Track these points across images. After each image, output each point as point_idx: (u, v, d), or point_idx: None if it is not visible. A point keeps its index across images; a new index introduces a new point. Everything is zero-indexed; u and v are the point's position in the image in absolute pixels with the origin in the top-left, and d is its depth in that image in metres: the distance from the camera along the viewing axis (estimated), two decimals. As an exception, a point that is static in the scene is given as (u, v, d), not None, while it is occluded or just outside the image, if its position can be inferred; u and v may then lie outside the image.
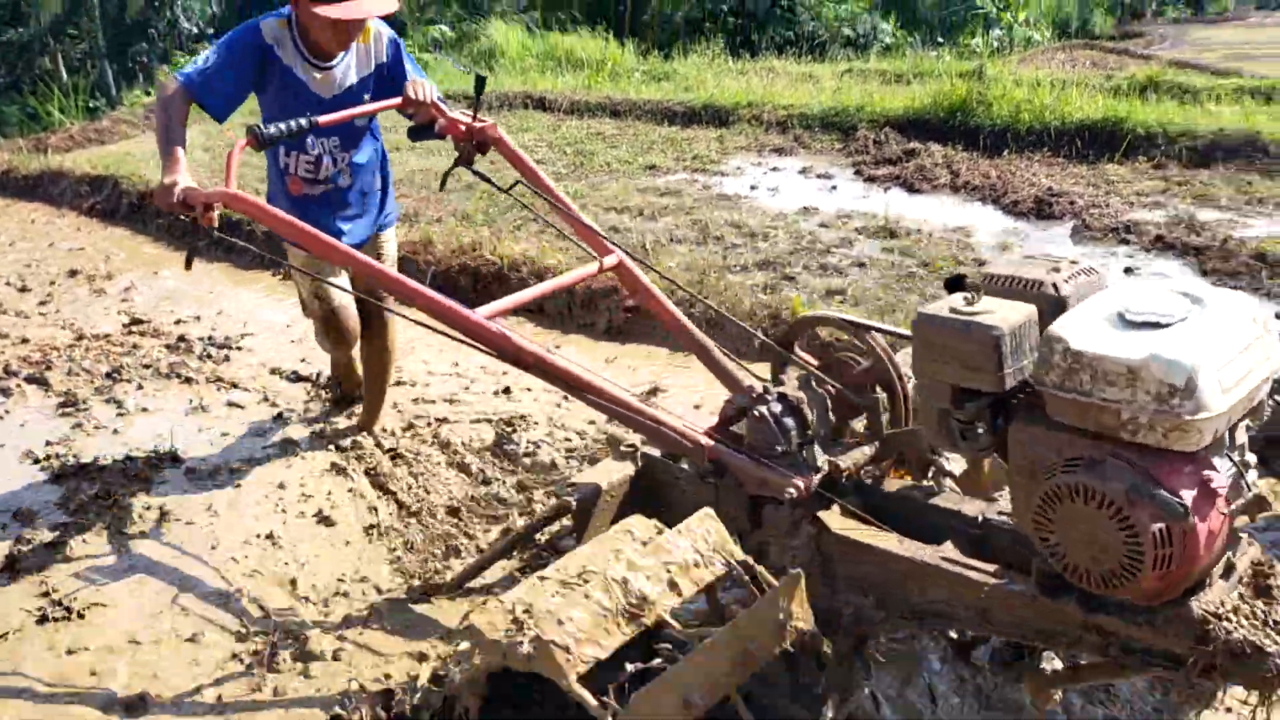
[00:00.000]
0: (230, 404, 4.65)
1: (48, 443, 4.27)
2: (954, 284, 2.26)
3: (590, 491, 2.73)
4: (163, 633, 3.04)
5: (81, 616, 3.13)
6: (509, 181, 3.14)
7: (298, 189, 3.58)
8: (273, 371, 5.05)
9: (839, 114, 9.92)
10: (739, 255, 6.16)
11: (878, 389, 2.70)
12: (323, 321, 3.81)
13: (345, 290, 3.41)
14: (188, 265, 2.87)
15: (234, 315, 5.89)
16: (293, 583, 3.27)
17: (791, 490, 2.43)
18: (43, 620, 3.11)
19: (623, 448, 2.83)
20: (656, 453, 2.79)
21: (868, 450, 2.62)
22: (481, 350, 2.58)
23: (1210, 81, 11.19)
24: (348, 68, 3.47)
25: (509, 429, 4.25)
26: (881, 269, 5.86)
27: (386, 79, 3.51)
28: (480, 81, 3.21)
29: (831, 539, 2.42)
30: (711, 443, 2.58)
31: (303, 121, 3.03)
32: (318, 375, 4.93)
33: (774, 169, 8.63)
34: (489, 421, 4.35)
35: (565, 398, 4.56)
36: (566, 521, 2.92)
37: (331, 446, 4.16)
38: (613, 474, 2.78)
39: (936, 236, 6.45)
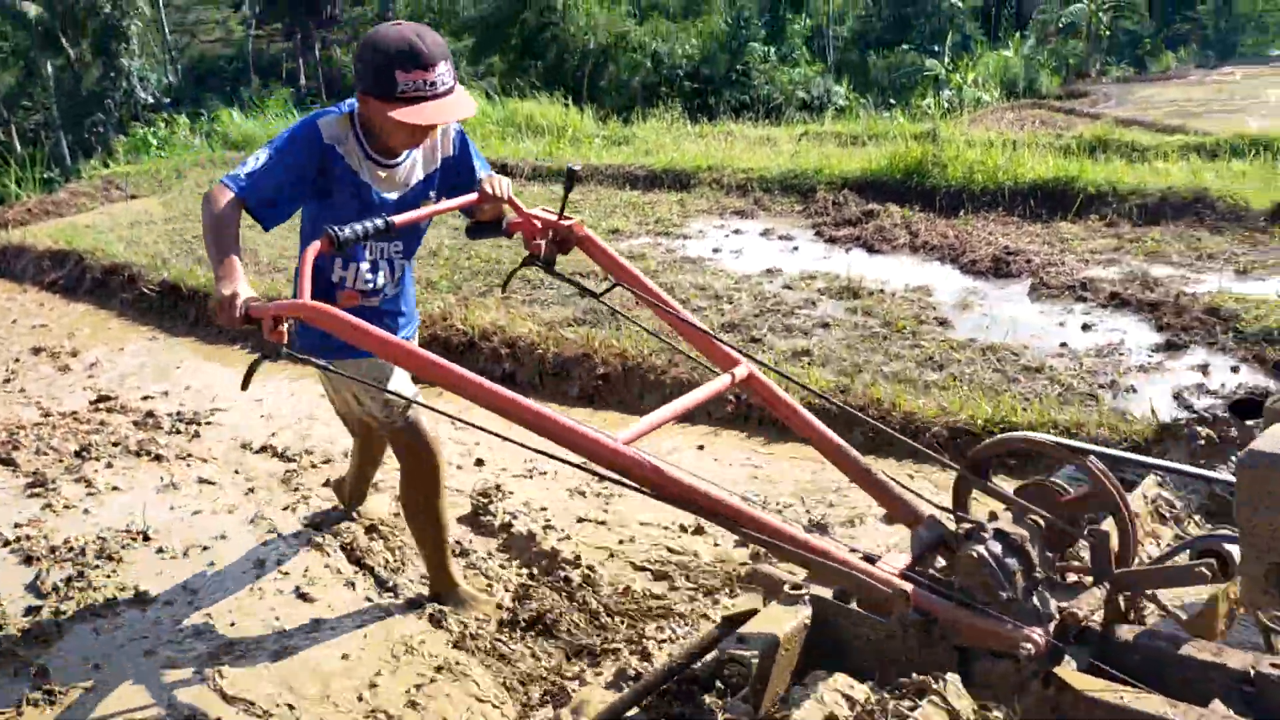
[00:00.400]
0: (202, 480, 4.62)
1: (16, 524, 4.21)
2: (1245, 408, 2.08)
3: (768, 644, 2.31)
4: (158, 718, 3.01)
5: (65, 701, 3.08)
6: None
7: (353, 302, 3.14)
8: (243, 446, 5.03)
9: (798, 176, 10.10)
10: (705, 318, 6.23)
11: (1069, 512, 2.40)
12: (411, 430, 3.31)
13: (425, 406, 3.11)
14: (245, 384, 2.52)
15: (202, 390, 5.87)
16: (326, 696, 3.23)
17: (1028, 646, 2.13)
18: (22, 705, 3.05)
19: (788, 589, 2.46)
20: (827, 592, 2.46)
21: (1098, 594, 2.31)
22: (621, 483, 2.27)
23: (1157, 139, 11.53)
24: (414, 164, 3.13)
25: (485, 500, 4.25)
26: (845, 329, 5.95)
27: (453, 174, 3.21)
28: (571, 175, 2.90)
29: (1076, 699, 2.09)
30: (911, 586, 2.24)
31: (379, 223, 2.70)
32: (285, 450, 4.91)
33: (736, 231, 8.75)
34: (464, 493, 4.35)
35: (536, 469, 4.60)
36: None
37: (306, 522, 4.14)
38: (786, 621, 2.37)
39: (898, 296, 6.57)
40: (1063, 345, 5.49)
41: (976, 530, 2.27)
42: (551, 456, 2.27)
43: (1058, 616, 2.21)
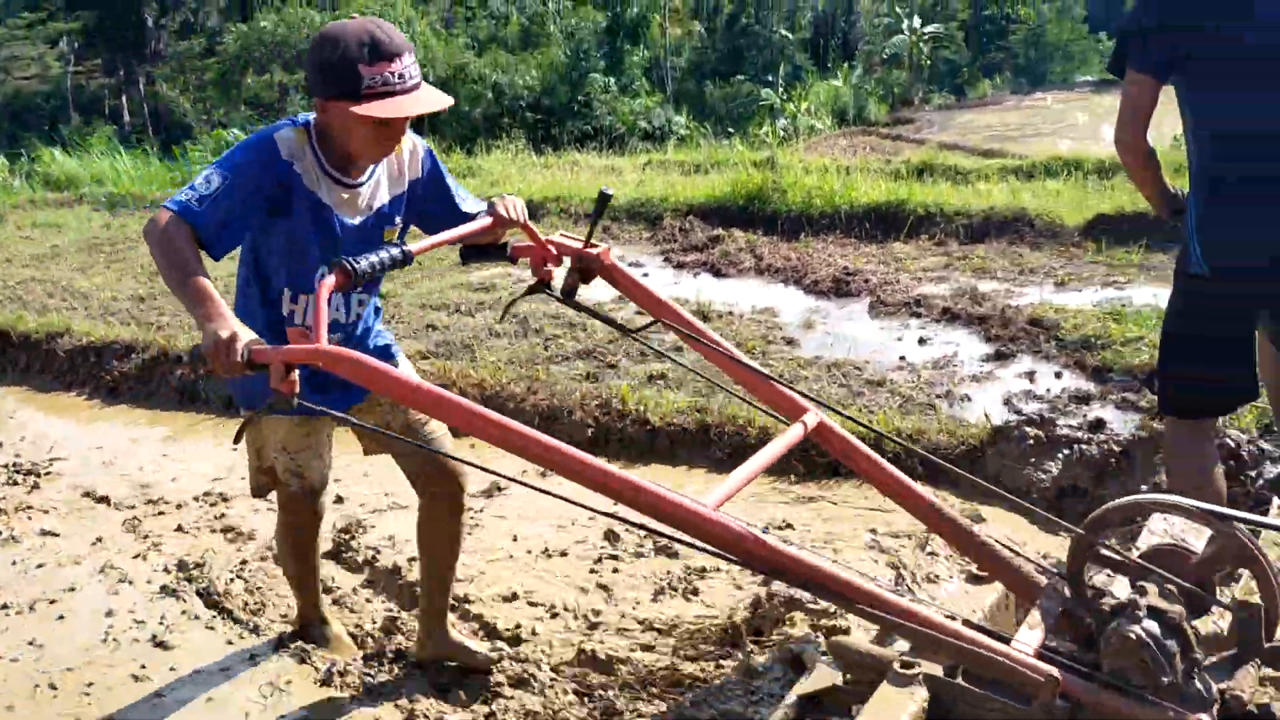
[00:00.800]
0: (44, 533, 4.42)
1: None
2: None
3: None
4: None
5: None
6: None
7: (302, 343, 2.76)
8: (86, 495, 4.84)
9: (644, 204, 10.29)
10: (560, 345, 6.30)
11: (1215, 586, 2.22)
12: (299, 498, 3.16)
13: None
14: (238, 439, 2.26)
15: (37, 440, 5.62)
16: None
17: None
18: None
19: (899, 666, 2.15)
20: (938, 669, 2.17)
21: (1253, 671, 2.12)
22: (717, 554, 2.04)
23: (978, 163, 12.21)
24: (377, 185, 2.80)
25: (346, 536, 4.21)
26: (698, 352, 6.09)
27: (420, 198, 2.90)
28: (603, 199, 2.65)
29: None
30: (1057, 672, 2.00)
31: (395, 252, 2.43)
32: (130, 498, 4.76)
33: (586, 260, 8.84)
34: (326, 529, 4.29)
35: (395, 503, 4.56)
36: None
37: (161, 568, 4.02)
38: (905, 706, 2.08)
39: (746, 318, 6.77)
40: (902, 359, 5.76)
41: (1129, 607, 2.04)
42: (630, 523, 2.08)
43: (1219, 699, 2.02)
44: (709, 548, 2.03)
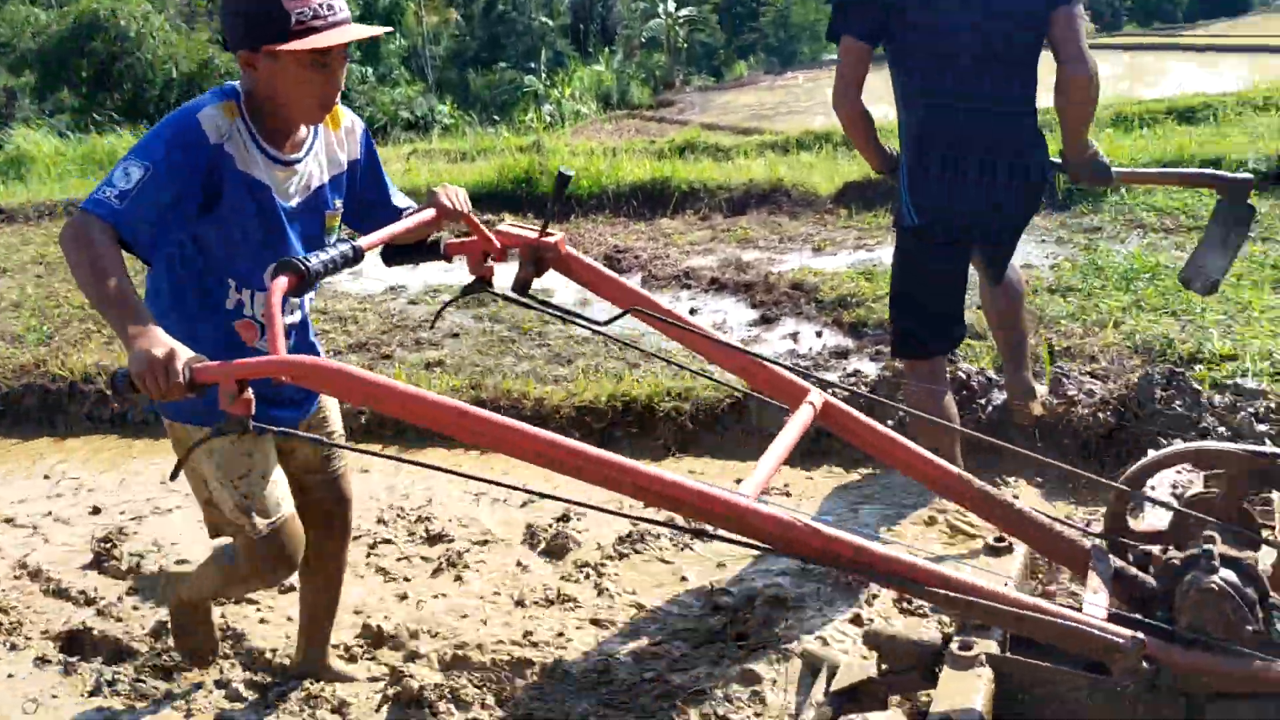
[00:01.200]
0: None
1: None
2: None
3: None
4: None
5: None
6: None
7: (253, 337, 2.09)
8: None
9: (411, 193, 10.05)
10: (331, 341, 6.13)
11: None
12: (265, 544, 2.58)
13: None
14: (175, 475, 1.97)
15: None
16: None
17: None
18: None
19: (957, 650, 2.00)
20: (994, 647, 2.03)
21: None
22: (758, 547, 1.88)
23: (737, 140, 12.63)
24: (315, 161, 2.53)
25: (107, 545, 3.98)
26: (475, 336, 6.08)
27: (358, 182, 2.65)
28: (563, 181, 2.37)
29: None
30: (1141, 635, 1.89)
31: (346, 250, 2.14)
32: None
33: (353, 252, 8.64)
34: (80, 544, 4.06)
35: (157, 507, 4.35)
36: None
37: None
38: (975, 690, 1.94)
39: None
40: (674, 329, 5.90)
41: (1203, 558, 1.94)
42: (676, 528, 1.87)
43: None
44: (751, 542, 1.87)
